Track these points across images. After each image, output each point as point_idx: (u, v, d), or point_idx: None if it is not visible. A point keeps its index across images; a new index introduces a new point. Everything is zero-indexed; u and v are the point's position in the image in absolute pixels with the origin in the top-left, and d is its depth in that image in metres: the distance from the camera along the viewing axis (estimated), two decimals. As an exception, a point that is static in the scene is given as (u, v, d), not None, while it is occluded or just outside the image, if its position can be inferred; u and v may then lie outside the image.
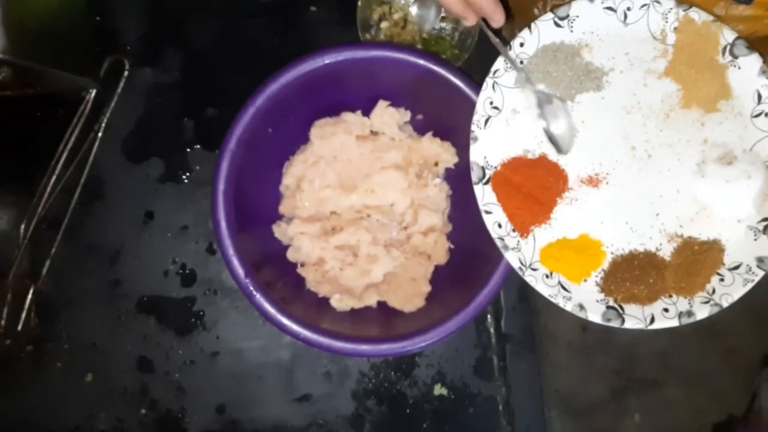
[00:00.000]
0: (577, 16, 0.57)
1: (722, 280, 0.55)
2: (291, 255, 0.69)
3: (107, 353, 0.72)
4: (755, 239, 0.55)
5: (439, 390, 0.73)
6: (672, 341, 1.31)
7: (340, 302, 0.67)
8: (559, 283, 0.57)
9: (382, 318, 0.68)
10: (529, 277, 0.56)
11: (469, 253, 0.68)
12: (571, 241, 0.57)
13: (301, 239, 0.68)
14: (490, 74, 0.57)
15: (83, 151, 0.72)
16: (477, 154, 0.57)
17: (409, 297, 0.68)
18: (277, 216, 0.70)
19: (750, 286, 0.54)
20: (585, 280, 0.57)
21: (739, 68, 0.56)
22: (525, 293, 0.74)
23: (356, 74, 0.65)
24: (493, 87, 0.57)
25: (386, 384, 0.73)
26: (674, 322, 0.55)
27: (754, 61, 0.55)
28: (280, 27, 0.75)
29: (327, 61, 0.62)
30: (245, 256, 0.62)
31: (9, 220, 0.73)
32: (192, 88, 0.74)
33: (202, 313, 0.73)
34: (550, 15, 0.57)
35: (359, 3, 0.71)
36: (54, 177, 0.72)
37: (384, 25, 0.71)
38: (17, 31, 0.60)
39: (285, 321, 0.61)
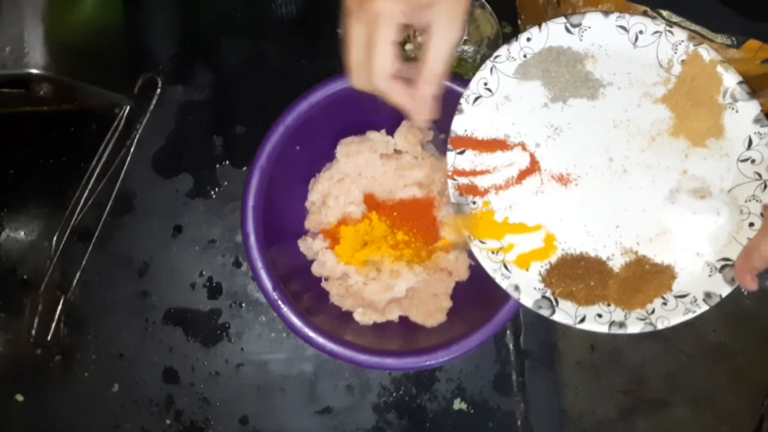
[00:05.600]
0: (589, 27, 0.57)
1: (665, 303, 0.55)
2: (316, 269, 0.70)
3: (134, 364, 0.73)
4: (710, 275, 0.55)
5: (458, 405, 0.74)
6: (680, 362, 1.32)
7: (363, 316, 0.68)
8: (503, 261, 0.57)
9: (404, 332, 0.69)
10: (475, 248, 0.56)
11: (490, 270, 0.70)
12: (527, 228, 0.58)
13: (325, 254, 0.70)
14: (491, 58, 0.57)
15: (115, 166, 0.74)
16: (458, 125, 0.58)
17: (431, 312, 0.69)
18: (302, 231, 0.71)
19: (690, 316, 0.54)
20: (529, 267, 0.57)
21: (737, 112, 0.56)
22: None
23: (382, 94, 0.67)
24: (491, 70, 0.57)
25: (407, 398, 0.74)
26: (603, 329, 0.54)
27: (752, 107, 0.55)
28: (307, 48, 0.77)
29: (355, 82, 0.64)
30: (273, 270, 0.63)
31: (41, 231, 0.74)
32: (221, 106, 0.77)
33: (227, 325, 0.74)
34: (563, 19, 0.57)
35: (385, 26, 0.73)
36: (86, 190, 0.73)
37: (408, 47, 0.73)
38: (58, 48, 0.61)
39: (311, 333, 0.62)
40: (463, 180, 0.58)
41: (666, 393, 1.31)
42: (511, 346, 0.75)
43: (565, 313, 0.55)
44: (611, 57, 0.58)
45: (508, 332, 0.75)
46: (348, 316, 0.69)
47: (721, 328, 1.28)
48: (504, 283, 0.56)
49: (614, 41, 0.57)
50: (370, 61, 0.47)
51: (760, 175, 0.55)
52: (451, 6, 0.47)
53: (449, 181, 0.58)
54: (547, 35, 0.57)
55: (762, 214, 0.53)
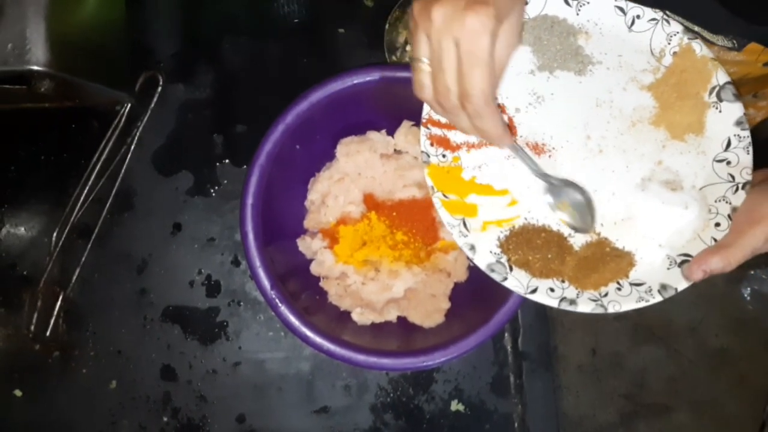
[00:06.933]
0: (588, 2, 0.57)
1: (619, 288, 0.54)
2: (314, 269, 0.70)
3: (132, 361, 0.73)
4: (668, 268, 0.55)
5: (455, 406, 0.74)
6: (682, 366, 1.31)
7: (361, 316, 0.69)
8: (464, 219, 0.56)
9: (402, 333, 0.69)
10: (436, 200, 0.56)
11: (489, 271, 0.69)
12: (493, 191, 0.57)
13: (324, 253, 0.70)
14: None
15: (116, 163, 0.74)
16: None
17: (429, 313, 0.69)
18: (301, 230, 0.72)
19: (643, 304, 0.54)
20: (488, 229, 0.56)
21: (720, 111, 0.56)
22: (542, 312, 0.75)
23: (382, 94, 0.66)
24: None
25: (404, 399, 0.74)
26: (553, 303, 0.54)
27: (736, 109, 0.55)
28: (309, 48, 0.78)
29: (355, 82, 0.63)
30: (271, 269, 0.63)
31: (41, 228, 0.75)
32: (222, 104, 0.77)
33: (225, 323, 0.74)
34: None
35: (386, 26, 0.73)
36: (86, 187, 0.74)
37: (410, 47, 0.73)
38: (60, 45, 0.62)
39: (308, 333, 0.62)
40: (436, 131, 0.57)
41: (667, 398, 1.31)
42: (509, 348, 0.75)
43: (517, 282, 0.54)
44: (605, 36, 0.58)
45: (506, 334, 0.75)
46: (346, 315, 0.69)
47: (724, 333, 1.28)
48: (460, 241, 0.55)
49: (610, 21, 0.57)
50: (470, 79, 0.45)
51: (733, 177, 0.54)
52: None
53: (422, 129, 0.57)
54: (544, 2, 0.57)
55: (730, 216, 0.53)
